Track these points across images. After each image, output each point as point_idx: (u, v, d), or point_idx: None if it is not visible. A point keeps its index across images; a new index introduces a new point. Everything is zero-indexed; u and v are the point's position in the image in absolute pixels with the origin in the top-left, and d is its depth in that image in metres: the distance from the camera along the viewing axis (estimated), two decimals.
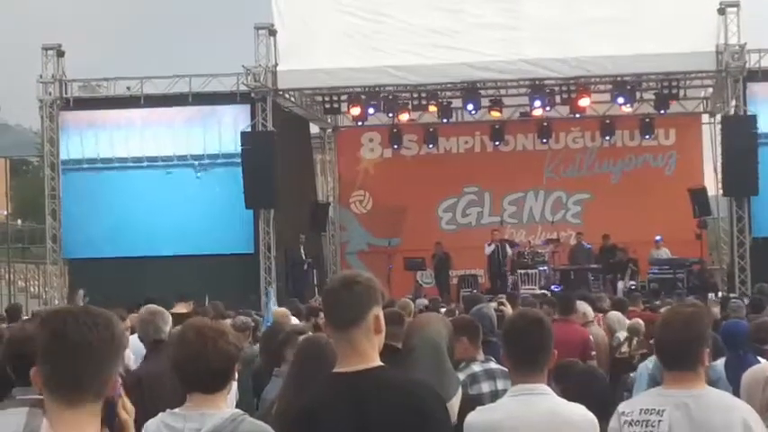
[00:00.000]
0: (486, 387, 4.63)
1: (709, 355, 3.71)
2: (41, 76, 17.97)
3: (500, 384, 4.44)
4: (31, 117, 23.62)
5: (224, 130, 18.36)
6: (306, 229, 19.65)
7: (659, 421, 3.24)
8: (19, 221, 30.35)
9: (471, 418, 3.45)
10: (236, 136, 17.76)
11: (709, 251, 20.86)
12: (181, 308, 9.73)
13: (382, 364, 2.98)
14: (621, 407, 3.46)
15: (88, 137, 18.61)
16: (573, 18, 17.52)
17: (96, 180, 18.58)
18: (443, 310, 10.35)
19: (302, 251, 18.77)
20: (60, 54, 18.10)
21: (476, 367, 4.91)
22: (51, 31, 39.48)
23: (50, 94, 18.13)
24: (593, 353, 7.93)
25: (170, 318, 5.98)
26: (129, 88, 18.98)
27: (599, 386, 5.35)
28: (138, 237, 18.14)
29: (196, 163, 18.44)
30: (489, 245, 18.49)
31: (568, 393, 3.63)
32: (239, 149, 17.49)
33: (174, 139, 18.34)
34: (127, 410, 2.17)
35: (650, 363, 6.08)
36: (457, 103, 19.65)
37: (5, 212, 28.83)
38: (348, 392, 2.93)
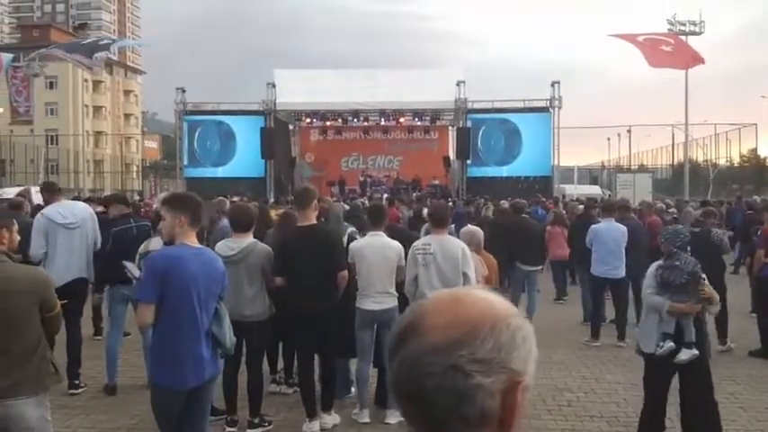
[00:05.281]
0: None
1: (449, 222, 6.16)
2: (176, 102, 32.38)
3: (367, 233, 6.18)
4: (171, 118, 38.33)
5: (253, 126, 30.70)
6: (286, 168, 32.32)
7: (429, 246, 5.54)
8: (165, 161, 49.82)
9: (352, 244, 5.69)
10: (258, 128, 30.27)
11: (450, 183, 32.26)
12: (234, 199, 15.59)
13: (317, 222, 5.23)
14: (415, 243, 5.58)
15: (194, 128, 32.21)
16: (397, 84, 30.17)
17: (196, 147, 32.22)
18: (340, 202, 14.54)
19: (282, 177, 30.89)
20: (183, 91, 32.91)
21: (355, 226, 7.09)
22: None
23: (179, 108, 32.37)
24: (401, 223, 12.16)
25: (228, 202, 10.55)
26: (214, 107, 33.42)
27: (406, 234, 7.33)
28: (213, 170, 30.98)
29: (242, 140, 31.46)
30: (361, 176, 30.85)
31: (393, 236, 5.90)
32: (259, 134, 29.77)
33: (233, 129, 31.98)
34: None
35: (427, 225, 7.81)
36: (350, 118, 32.44)
37: (159, 157, 49.22)
38: (305, 233, 5.11)
